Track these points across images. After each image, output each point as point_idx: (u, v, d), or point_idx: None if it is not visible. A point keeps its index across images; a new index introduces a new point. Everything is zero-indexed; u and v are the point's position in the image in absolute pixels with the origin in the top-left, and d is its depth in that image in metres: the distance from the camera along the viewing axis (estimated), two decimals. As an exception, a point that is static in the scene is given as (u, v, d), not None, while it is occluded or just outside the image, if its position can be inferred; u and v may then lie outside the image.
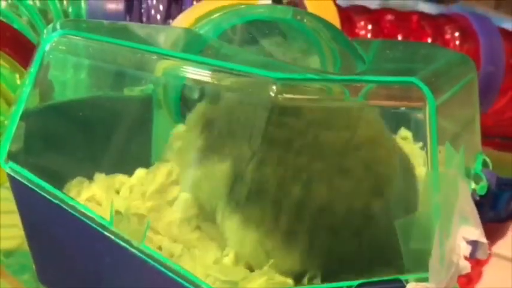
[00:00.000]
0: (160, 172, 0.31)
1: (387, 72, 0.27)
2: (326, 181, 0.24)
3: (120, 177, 0.31)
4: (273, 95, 0.22)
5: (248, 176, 0.24)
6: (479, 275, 0.65)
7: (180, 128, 0.34)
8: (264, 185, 0.24)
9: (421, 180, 0.27)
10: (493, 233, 0.63)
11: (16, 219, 0.38)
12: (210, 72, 0.25)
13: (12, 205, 0.38)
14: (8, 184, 0.34)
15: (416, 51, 0.33)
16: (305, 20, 0.32)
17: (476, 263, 0.65)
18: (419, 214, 0.24)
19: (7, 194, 0.38)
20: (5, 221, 0.37)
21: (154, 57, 0.27)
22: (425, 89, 0.23)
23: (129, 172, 0.32)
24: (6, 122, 0.33)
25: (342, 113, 0.26)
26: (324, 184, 0.24)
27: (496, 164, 0.58)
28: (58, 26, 0.28)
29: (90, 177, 0.31)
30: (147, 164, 0.32)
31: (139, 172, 0.32)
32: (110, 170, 0.31)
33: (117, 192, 0.30)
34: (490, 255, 0.63)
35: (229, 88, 0.24)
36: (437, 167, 0.24)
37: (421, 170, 0.28)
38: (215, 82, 0.24)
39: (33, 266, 0.30)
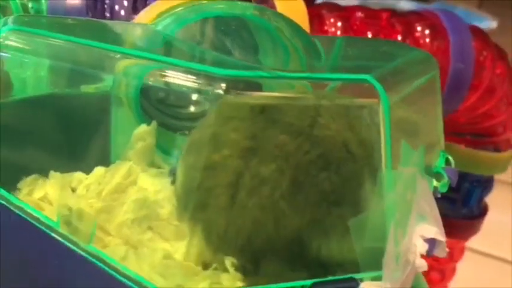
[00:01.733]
0: (119, 172, 0.31)
1: (346, 69, 0.27)
2: (271, 183, 0.24)
3: (78, 175, 0.31)
4: (221, 92, 0.22)
5: (197, 178, 0.24)
6: (453, 271, 0.65)
7: (143, 127, 0.33)
8: (210, 188, 0.24)
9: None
10: (466, 230, 0.63)
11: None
12: (164, 71, 0.24)
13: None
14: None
15: (378, 49, 0.33)
16: (267, 17, 0.32)
17: (450, 259, 0.65)
18: (373, 212, 0.24)
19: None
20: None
21: (112, 55, 0.26)
22: (378, 87, 0.23)
23: (88, 170, 0.31)
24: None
25: (298, 110, 0.26)
26: (269, 186, 0.24)
27: (469, 161, 0.58)
28: (10, 21, 0.27)
29: (46, 175, 0.30)
30: (106, 162, 0.32)
31: (98, 170, 0.31)
32: (68, 168, 0.31)
33: (74, 190, 0.30)
34: (463, 251, 0.64)
35: (181, 86, 0.23)
36: (391, 165, 0.24)
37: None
38: (168, 80, 0.24)
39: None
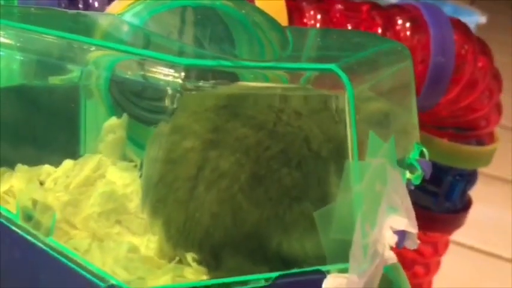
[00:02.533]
0: (88, 165, 0.30)
1: (313, 59, 0.26)
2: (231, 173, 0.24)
3: (46, 168, 0.30)
4: (180, 81, 0.21)
5: (156, 169, 0.24)
6: (437, 264, 0.65)
7: (113, 120, 0.33)
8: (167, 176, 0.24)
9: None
10: (450, 223, 0.63)
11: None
12: (131, 61, 0.24)
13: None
14: None
15: (349, 40, 0.33)
16: (238, 8, 0.31)
17: (435, 252, 0.65)
18: (339, 204, 0.24)
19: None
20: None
21: (81, 46, 0.26)
22: (343, 76, 0.23)
23: (57, 163, 0.31)
24: None
25: (262, 105, 0.25)
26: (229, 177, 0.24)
27: (451, 155, 0.58)
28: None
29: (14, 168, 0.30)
30: (75, 155, 0.31)
31: (67, 163, 0.31)
32: (37, 161, 0.30)
33: (42, 183, 0.30)
34: (448, 244, 0.64)
35: (142, 76, 0.23)
36: (357, 156, 0.24)
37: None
38: (133, 71, 0.24)
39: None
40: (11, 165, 0.30)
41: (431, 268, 0.65)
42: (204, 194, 0.24)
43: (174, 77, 0.22)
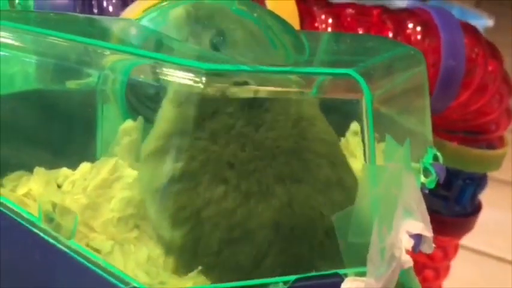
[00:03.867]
0: (105, 167, 0.30)
1: (328, 64, 0.27)
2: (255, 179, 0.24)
3: (64, 171, 0.31)
4: (201, 86, 0.21)
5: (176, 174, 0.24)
6: (447, 269, 0.65)
7: (128, 123, 0.33)
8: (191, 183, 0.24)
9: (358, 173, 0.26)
10: (459, 227, 0.63)
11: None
12: (148, 66, 0.24)
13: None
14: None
15: (363, 44, 0.33)
16: (254, 12, 0.32)
17: (445, 256, 0.65)
18: (357, 208, 0.24)
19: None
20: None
21: (98, 50, 0.26)
22: (361, 81, 0.23)
23: (74, 166, 0.31)
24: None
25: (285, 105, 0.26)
26: (254, 181, 0.24)
27: (461, 158, 0.58)
28: (-5, 17, 0.27)
29: (32, 171, 0.30)
30: (92, 158, 0.32)
31: (84, 166, 0.31)
32: (54, 164, 0.31)
33: (60, 186, 0.30)
34: (458, 248, 0.64)
35: (162, 81, 0.23)
36: (374, 160, 0.24)
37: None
38: (150, 75, 0.24)
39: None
40: (28, 169, 0.30)
41: (441, 272, 0.65)
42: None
43: (195, 81, 0.22)
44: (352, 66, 0.25)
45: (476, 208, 0.62)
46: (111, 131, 0.33)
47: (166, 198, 0.24)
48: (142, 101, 0.32)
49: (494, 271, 0.77)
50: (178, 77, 0.22)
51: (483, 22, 1.16)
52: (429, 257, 0.61)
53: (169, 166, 0.24)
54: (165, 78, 0.23)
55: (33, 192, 0.28)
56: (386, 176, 0.25)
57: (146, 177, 0.26)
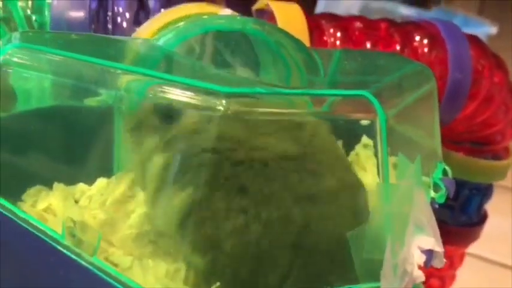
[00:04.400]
0: (121, 183, 0.31)
1: (344, 84, 0.27)
2: (275, 200, 0.25)
3: (81, 187, 0.31)
4: (222, 109, 0.22)
5: (199, 199, 0.24)
6: (452, 278, 0.65)
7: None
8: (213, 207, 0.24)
9: (372, 190, 0.27)
10: (465, 237, 0.64)
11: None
12: (164, 87, 0.25)
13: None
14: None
15: (374, 63, 0.33)
16: (267, 31, 0.32)
17: (450, 266, 0.66)
18: (370, 224, 0.25)
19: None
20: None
21: (112, 70, 0.27)
22: (375, 103, 0.24)
23: (91, 182, 0.32)
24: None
25: (297, 126, 0.26)
26: (273, 204, 0.25)
27: (467, 169, 0.59)
28: (14, 38, 0.28)
29: (50, 186, 0.31)
30: (108, 174, 0.32)
31: (100, 182, 0.32)
32: (71, 180, 0.31)
33: (77, 201, 0.30)
34: (463, 257, 0.64)
35: (181, 103, 0.24)
36: (388, 179, 0.25)
37: (375, 178, 0.28)
38: (168, 97, 0.25)
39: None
40: (45, 184, 0.31)
41: (446, 281, 0.65)
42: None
43: (214, 104, 0.22)
44: (365, 86, 0.25)
45: (482, 218, 0.62)
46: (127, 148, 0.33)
47: (185, 228, 0.25)
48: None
49: (496, 277, 0.77)
50: (196, 99, 0.23)
51: (486, 29, 1.17)
52: (435, 266, 0.62)
53: (187, 193, 0.25)
54: (181, 99, 0.24)
55: (53, 207, 0.29)
56: (398, 193, 0.26)
57: (164, 202, 0.27)
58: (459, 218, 0.61)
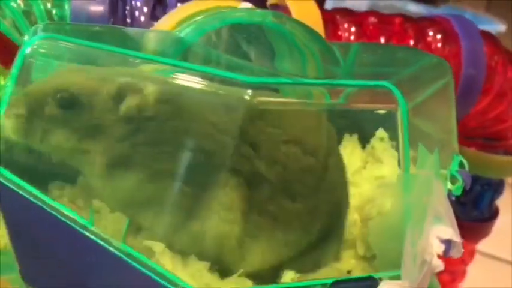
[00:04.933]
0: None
1: (363, 76, 0.28)
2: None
3: None
4: (247, 98, 0.22)
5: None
6: (463, 273, 0.66)
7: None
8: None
9: (390, 182, 0.27)
10: (476, 232, 0.64)
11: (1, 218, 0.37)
12: (188, 76, 0.25)
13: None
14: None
15: (394, 55, 0.34)
16: (285, 24, 0.33)
17: (461, 261, 0.66)
18: (391, 214, 0.25)
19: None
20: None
21: (136, 61, 0.27)
22: (397, 93, 0.24)
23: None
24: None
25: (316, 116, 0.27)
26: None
27: (479, 164, 0.59)
28: (39, 30, 0.28)
29: (73, 179, 0.31)
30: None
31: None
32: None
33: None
34: (474, 253, 0.65)
35: (205, 92, 0.24)
36: (409, 169, 0.25)
37: (393, 169, 0.29)
38: (191, 86, 0.25)
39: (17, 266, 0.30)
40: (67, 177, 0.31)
41: (457, 276, 0.66)
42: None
43: (241, 94, 0.23)
44: (384, 77, 0.26)
45: (493, 213, 0.63)
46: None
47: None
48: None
49: (497, 273, 0.77)
50: (221, 89, 0.23)
51: (495, 27, 1.16)
52: (445, 260, 0.62)
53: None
54: (206, 89, 0.24)
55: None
56: (418, 183, 0.26)
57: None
58: (471, 213, 0.61)
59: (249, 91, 0.23)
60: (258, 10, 0.32)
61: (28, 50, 0.27)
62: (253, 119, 0.24)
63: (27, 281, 0.30)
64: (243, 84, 0.23)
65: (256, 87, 0.23)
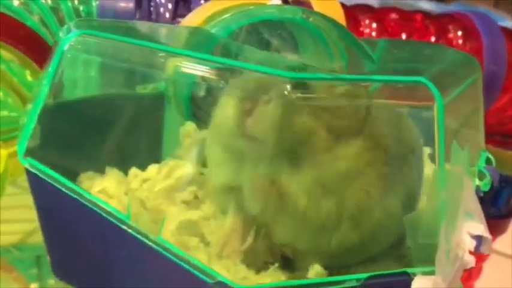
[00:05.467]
0: (175, 171, 0.31)
1: (396, 71, 0.28)
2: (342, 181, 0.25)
3: (134, 171, 0.32)
4: (287, 93, 0.23)
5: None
6: (479, 270, 0.65)
7: (189, 125, 0.34)
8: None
9: (426, 176, 0.27)
10: (493, 229, 0.64)
11: (17, 214, 0.38)
12: (221, 71, 0.25)
13: (13, 200, 0.39)
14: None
15: (422, 52, 0.34)
16: (313, 20, 0.33)
17: (477, 259, 0.66)
18: (426, 210, 0.25)
19: (11, 190, 0.38)
20: (6, 216, 0.38)
21: (169, 55, 0.28)
22: (433, 89, 0.24)
23: (141, 167, 0.32)
24: (19, 118, 0.33)
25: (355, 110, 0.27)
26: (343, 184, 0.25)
27: (497, 161, 0.59)
28: (73, 27, 0.29)
29: (102, 172, 0.31)
30: (157, 159, 0.33)
31: (152, 168, 0.32)
32: (121, 165, 0.32)
33: (129, 184, 0.31)
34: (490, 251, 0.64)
35: (243, 87, 0.24)
36: (444, 165, 0.25)
37: (427, 166, 0.29)
38: (226, 80, 0.25)
39: (48, 260, 0.30)
40: (97, 170, 0.32)
41: (472, 274, 0.66)
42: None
43: (280, 89, 0.23)
44: (418, 73, 0.26)
45: (511, 211, 0.62)
46: (174, 133, 0.34)
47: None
48: (207, 105, 0.33)
49: (499, 268, 0.77)
50: (261, 85, 0.23)
51: (505, 24, 1.15)
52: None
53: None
54: (245, 84, 0.24)
55: (108, 190, 0.30)
56: (451, 180, 0.26)
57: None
58: (488, 210, 0.60)
59: (288, 86, 0.23)
60: (287, 7, 0.33)
61: (65, 47, 0.28)
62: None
63: (58, 275, 0.30)
64: (283, 80, 0.23)
65: (297, 83, 0.23)
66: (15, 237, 0.41)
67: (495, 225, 0.62)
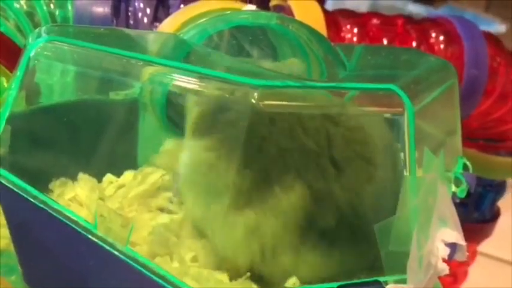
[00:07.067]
0: (149, 177, 0.31)
1: (369, 78, 0.28)
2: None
3: (108, 177, 0.32)
4: (254, 101, 0.22)
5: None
6: (465, 274, 0.66)
7: (168, 143, 0.34)
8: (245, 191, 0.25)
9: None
10: (478, 233, 0.64)
11: (3, 219, 0.37)
12: (193, 79, 0.25)
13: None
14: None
15: (398, 58, 0.34)
16: (290, 26, 0.32)
17: (462, 262, 0.66)
18: (397, 217, 0.25)
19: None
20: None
21: (140, 63, 0.27)
22: (403, 96, 0.24)
23: (115, 173, 0.32)
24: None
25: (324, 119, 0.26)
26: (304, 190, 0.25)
27: (480, 165, 0.59)
28: (43, 32, 0.28)
29: (75, 179, 0.31)
30: (133, 165, 0.33)
31: (128, 174, 0.32)
32: (95, 171, 0.32)
33: (103, 191, 0.31)
34: (475, 254, 0.65)
35: (210, 96, 0.24)
36: (415, 172, 0.25)
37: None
38: (197, 89, 0.25)
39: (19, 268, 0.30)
40: (70, 176, 0.31)
41: (458, 277, 0.66)
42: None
43: (245, 96, 0.23)
44: (390, 80, 0.25)
45: (495, 214, 0.63)
46: (151, 140, 0.34)
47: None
48: (182, 112, 0.33)
49: (497, 273, 0.77)
50: (228, 93, 0.23)
51: (495, 27, 1.16)
52: (446, 262, 0.62)
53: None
54: (212, 93, 0.24)
55: (79, 198, 0.29)
56: (424, 186, 0.26)
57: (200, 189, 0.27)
58: (472, 214, 0.61)
59: (255, 94, 0.22)
60: (263, 12, 0.32)
61: (32, 53, 0.27)
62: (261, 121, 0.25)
63: (30, 284, 0.30)
64: (250, 88, 0.23)
65: (265, 90, 0.23)
66: (1, 243, 0.40)
67: (480, 230, 0.62)
